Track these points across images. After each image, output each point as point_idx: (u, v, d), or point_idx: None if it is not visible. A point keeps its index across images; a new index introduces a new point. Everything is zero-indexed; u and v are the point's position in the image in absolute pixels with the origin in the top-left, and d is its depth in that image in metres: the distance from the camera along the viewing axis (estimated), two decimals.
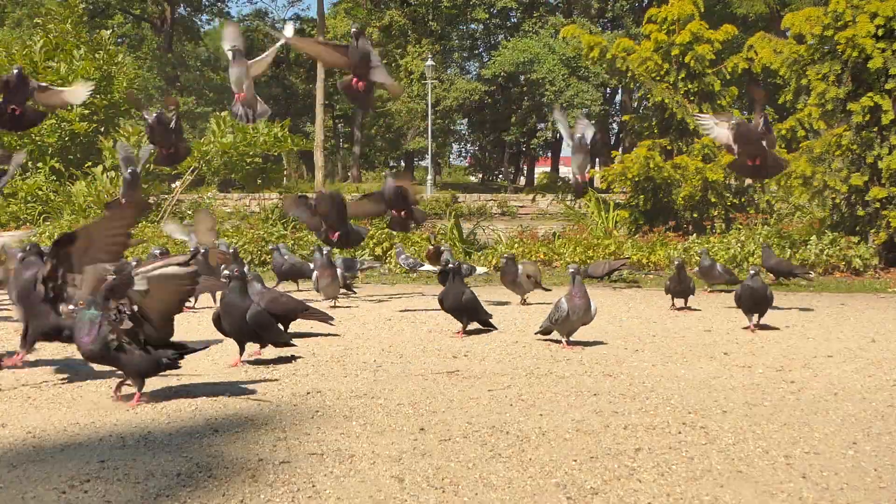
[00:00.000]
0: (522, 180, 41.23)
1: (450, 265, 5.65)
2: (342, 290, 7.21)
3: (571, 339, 4.98)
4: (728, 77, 11.99)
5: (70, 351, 4.88)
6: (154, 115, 6.99)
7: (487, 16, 34.49)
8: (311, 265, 7.46)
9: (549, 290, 7.39)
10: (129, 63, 20.16)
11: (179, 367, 3.82)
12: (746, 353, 4.79)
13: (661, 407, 3.54)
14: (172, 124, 7.03)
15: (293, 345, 4.68)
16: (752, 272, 5.66)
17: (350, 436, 3.12)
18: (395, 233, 9.37)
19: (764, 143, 6.25)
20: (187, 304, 5.06)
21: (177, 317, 3.70)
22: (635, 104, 28.25)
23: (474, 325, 5.57)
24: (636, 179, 11.51)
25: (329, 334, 5.47)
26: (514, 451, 2.93)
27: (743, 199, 11.67)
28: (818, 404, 3.61)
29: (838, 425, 3.27)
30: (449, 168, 50.42)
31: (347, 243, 7.09)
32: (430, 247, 9.43)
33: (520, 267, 6.99)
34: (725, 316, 6.30)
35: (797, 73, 10.24)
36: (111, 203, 8.95)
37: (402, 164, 46.08)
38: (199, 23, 40.90)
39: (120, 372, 3.66)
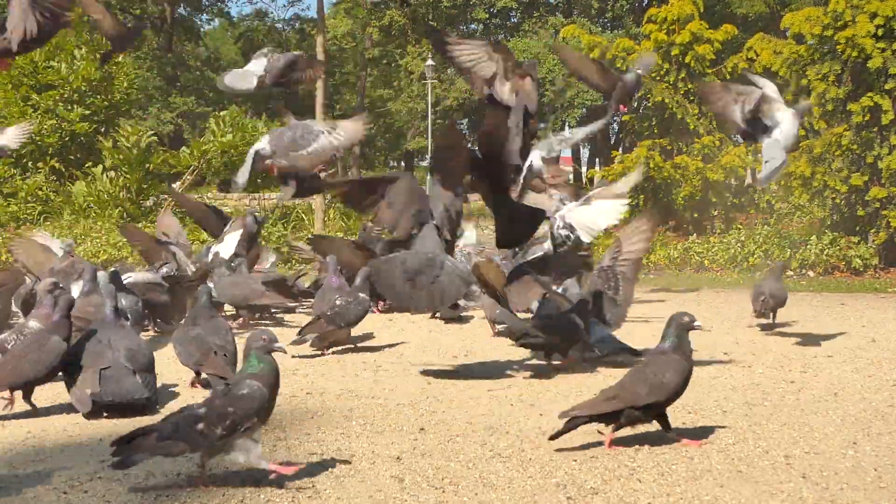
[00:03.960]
0: None
1: None
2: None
3: None
4: (728, 77, 11.97)
5: None
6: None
7: (487, 16, 34.42)
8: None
9: None
10: (129, 63, 20.10)
11: None
12: (746, 353, 4.79)
13: None
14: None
15: None
16: None
17: (350, 436, 3.12)
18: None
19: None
20: None
21: None
22: (635, 104, 28.23)
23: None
24: None
25: None
26: (514, 451, 2.93)
27: (743, 199, 11.65)
28: (818, 404, 3.61)
29: (838, 425, 3.27)
30: None
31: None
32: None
33: None
34: (725, 316, 6.30)
35: (797, 74, 10.22)
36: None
37: (402, 164, 46.03)
38: (199, 23, 40.85)
39: None
